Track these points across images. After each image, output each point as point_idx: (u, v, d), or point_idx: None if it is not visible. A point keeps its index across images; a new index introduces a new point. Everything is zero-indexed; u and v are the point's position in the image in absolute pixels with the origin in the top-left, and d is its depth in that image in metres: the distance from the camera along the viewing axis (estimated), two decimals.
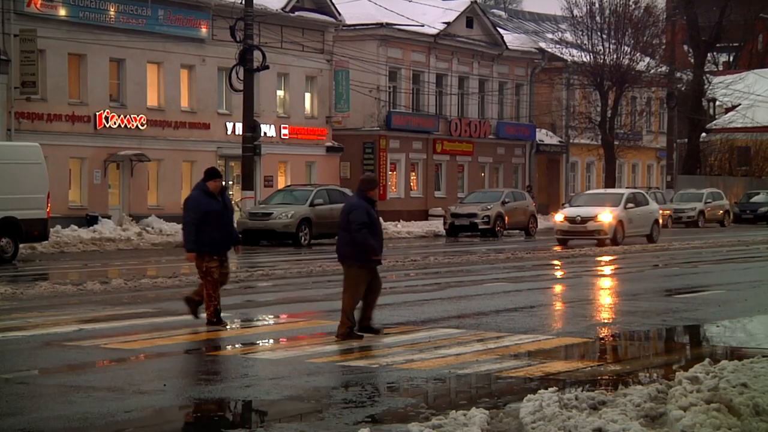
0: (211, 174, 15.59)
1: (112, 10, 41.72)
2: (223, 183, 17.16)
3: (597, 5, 60.86)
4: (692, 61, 76.66)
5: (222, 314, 15.73)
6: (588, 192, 46.70)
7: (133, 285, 21.75)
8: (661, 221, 43.25)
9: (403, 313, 17.29)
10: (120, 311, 17.52)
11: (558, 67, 63.50)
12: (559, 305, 18.79)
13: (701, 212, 57.66)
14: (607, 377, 11.86)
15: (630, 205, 39.35)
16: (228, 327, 15.47)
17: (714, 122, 77.71)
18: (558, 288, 22.97)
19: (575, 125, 64.25)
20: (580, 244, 38.12)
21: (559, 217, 39.49)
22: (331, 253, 34.61)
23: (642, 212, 40.03)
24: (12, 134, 38.07)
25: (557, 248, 36.94)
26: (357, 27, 52.78)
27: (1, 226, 28.44)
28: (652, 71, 63.02)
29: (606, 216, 37.96)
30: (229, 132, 46.25)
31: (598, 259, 31.75)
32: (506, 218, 45.64)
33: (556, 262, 30.79)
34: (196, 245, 15.30)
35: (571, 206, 40.67)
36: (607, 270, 27.92)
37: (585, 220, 37.90)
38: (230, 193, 47.62)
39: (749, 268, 28.85)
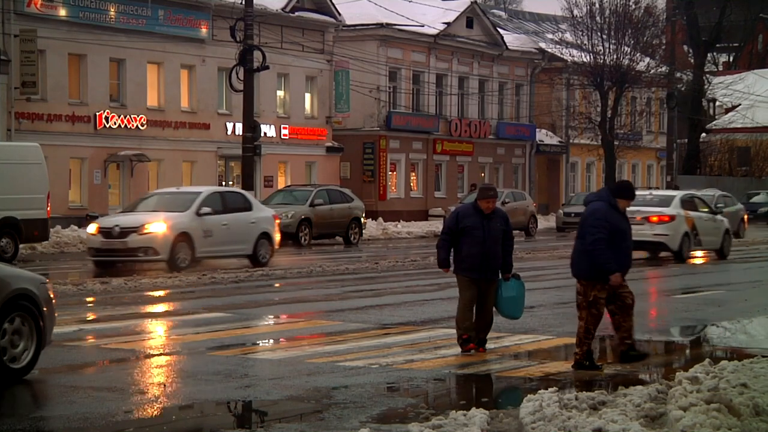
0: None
1: (112, 10, 41.71)
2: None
3: (597, 5, 60.81)
4: (692, 61, 76.63)
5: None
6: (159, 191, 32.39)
7: (133, 285, 21.75)
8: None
9: (403, 313, 17.30)
10: (120, 311, 17.53)
11: (558, 68, 63.46)
12: (559, 305, 18.79)
13: None
14: (606, 377, 11.87)
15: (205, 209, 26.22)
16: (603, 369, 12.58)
17: (714, 122, 77.69)
18: (558, 288, 22.96)
19: (575, 125, 64.22)
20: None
21: (91, 228, 26.57)
22: (332, 253, 34.68)
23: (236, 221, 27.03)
24: (12, 134, 38.06)
25: None
26: (357, 27, 52.77)
27: (1, 226, 28.43)
28: (652, 71, 62.96)
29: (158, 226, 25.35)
30: (229, 132, 46.24)
31: None
32: None
33: (555, 263, 30.77)
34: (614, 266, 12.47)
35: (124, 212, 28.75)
36: None
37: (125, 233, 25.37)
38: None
39: (749, 268, 28.85)
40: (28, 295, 11.58)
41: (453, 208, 46.87)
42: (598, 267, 12.18)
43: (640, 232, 24.10)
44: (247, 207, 27.87)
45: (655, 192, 34.28)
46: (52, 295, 12.10)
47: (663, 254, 29.98)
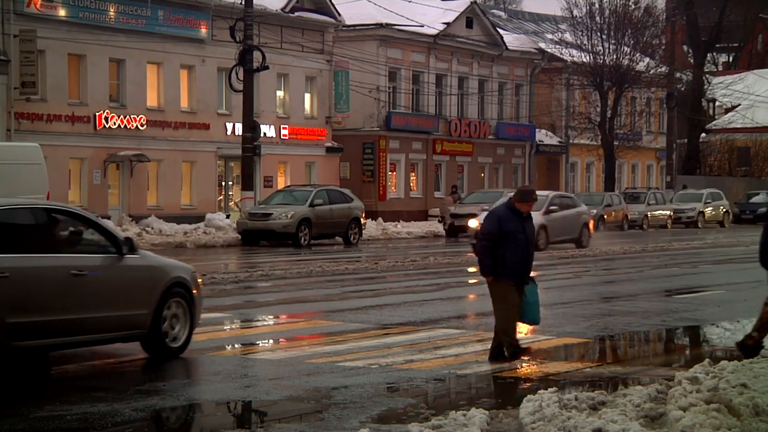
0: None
1: (112, 10, 41.70)
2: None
3: (597, 5, 60.89)
4: (692, 61, 76.62)
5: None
6: None
7: None
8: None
9: (403, 313, 17.30)
10: None
11: (558, 68, 63.48)
12: (559, 306, 18.79)
13: (701, 212, 57.67)
14: (606, 377, 11.87)
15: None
16: None
17: (714, 122, 77.68)
18: (558, 288, 22.95)
19: (575, 125, 64.23)
20: None
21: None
22: (331, 253, 34.70)
23: None
24: (12, 134, 38.06)
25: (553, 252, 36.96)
26: (357, 27, 52.77)
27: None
28: (652, 71, 63.00)
29: None
30: (228, 132, 46.23)
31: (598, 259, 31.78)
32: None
33: (555, 262, 30.79)
34: None
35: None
36: (608, 270, 27.93)
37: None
38: (230, 193, 47.62)
39: (749, 268, 28.84)
40: (183, 282, 12.95)
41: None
42: None
43: None
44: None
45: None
46: (200, 281, 13.56)
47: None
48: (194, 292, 13.09)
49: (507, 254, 12.70)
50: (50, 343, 11.70)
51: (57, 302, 11.51)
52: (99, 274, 11.99)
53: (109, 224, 13.60)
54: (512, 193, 13.54)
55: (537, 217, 31.07)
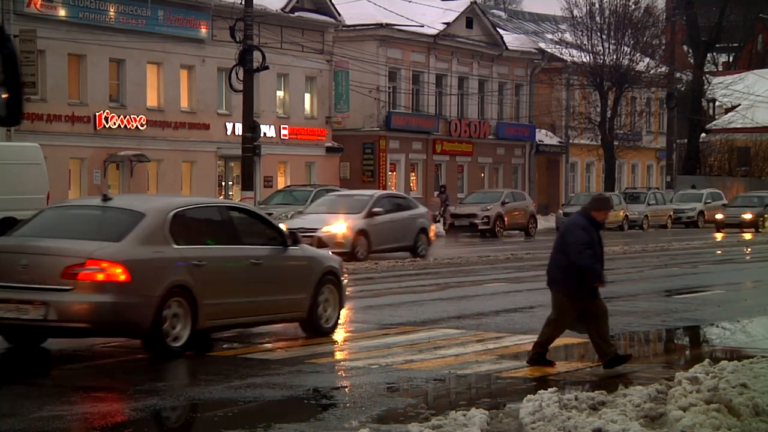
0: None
1: (112, 10, 41.70)
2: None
3: (597, 6, 60.86)
4: (692, 61, 76.62)
5: None
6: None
7: None
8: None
9: (403, 313, 17.30)
10: None
11: (558, 68, 63.46)
12: None
13: (701, 212, 57.68)
14: (606, 377, 11.87)
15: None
16: None
17: (714, 122, 77.67)
18: None
19: (575, 125, 64.21)
20: None
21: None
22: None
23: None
24: (11, 134, 38.03)
25: None
26: (357, 27, 52.77)
27: (1, 226, 28.39)
28: (652, 71, 62.98)
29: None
30: (228, 132, 46.24)
31: None
32: (506, 219, 45.64)
33: None
34: None
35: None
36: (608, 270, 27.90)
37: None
38: (230, 193, 47.63)
39: (749, 268, 28.87)
40: (334, 271, 14.84)
41: (452, 207, 47.02)
42: None
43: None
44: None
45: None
46: (344, 271, 15.44)
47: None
48: (342, 279, 15.08)
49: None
50: (234, 322, 13.75)
51: (240, 287, 13.39)
52: (271, 263, 13.84)
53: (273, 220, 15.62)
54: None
55: (354, 221, 28.79)
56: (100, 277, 12.06)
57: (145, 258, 12.42)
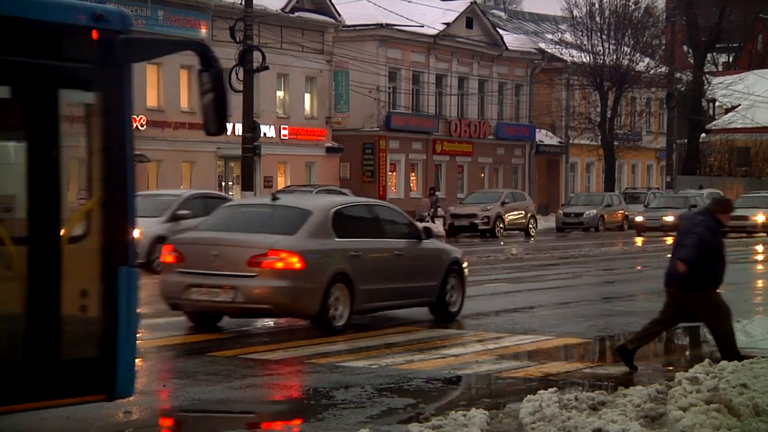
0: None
1: None
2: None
3: (597, 6, 60.92)
4: (692, 61, 76.57)
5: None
6: None
7: None
8: None
9: (403, 313, 17.29)
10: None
11: (558, 68, 63.48)
12: (559, 306, 18.80)
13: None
14: (606, 377, 11.87)
15: None
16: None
17: (714, 123, 77.64)
18: (558, 288, 22.95)
19: (575, 126, 64.23)
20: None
21: None
22: None
23: None
24: None
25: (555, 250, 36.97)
26: (357, 27, 52.77)
27: None
28: (652, 72, 63.01)
29: None
30: (228, 132, 46.20)
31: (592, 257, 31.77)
32: (506, 219, 45.64)
33: (555, 262, 30.80)
34: None
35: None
36: (608, 270, 27.91)
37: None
38: (230, 194, 47.61)
39: (749, 268, 28.85)
40: (458, 261, 16.66)
41: (452, 207, 46.99)
42: None
43: None
44: None
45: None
46: (465, 262, 17.02)
47: None
48: (464, 269, 16.77)
49: (717, 269, 12.34)
50: (382, 305, 15.71)
51: (387, 275, 15.31)
52: (410, 254, 15.80)
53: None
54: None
55: (153, 226, 22.93)
56: (279, 265, 14.02)
57: (315, 249, 14.37)
